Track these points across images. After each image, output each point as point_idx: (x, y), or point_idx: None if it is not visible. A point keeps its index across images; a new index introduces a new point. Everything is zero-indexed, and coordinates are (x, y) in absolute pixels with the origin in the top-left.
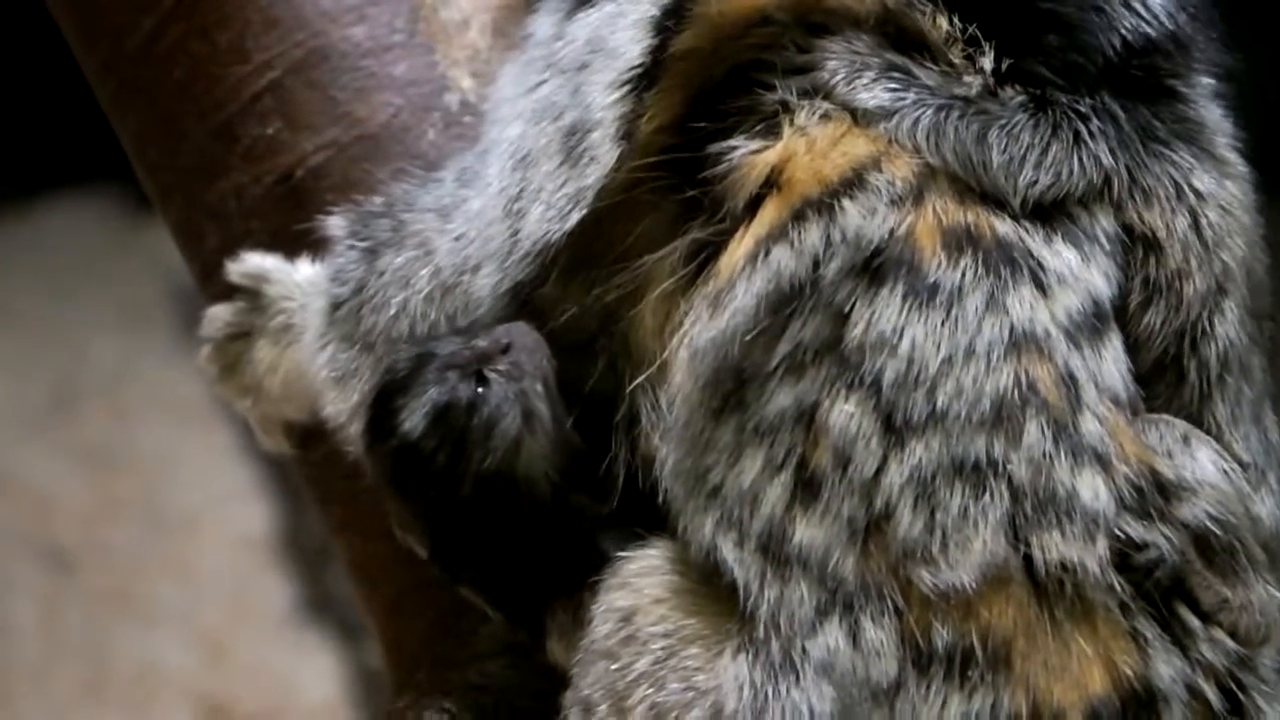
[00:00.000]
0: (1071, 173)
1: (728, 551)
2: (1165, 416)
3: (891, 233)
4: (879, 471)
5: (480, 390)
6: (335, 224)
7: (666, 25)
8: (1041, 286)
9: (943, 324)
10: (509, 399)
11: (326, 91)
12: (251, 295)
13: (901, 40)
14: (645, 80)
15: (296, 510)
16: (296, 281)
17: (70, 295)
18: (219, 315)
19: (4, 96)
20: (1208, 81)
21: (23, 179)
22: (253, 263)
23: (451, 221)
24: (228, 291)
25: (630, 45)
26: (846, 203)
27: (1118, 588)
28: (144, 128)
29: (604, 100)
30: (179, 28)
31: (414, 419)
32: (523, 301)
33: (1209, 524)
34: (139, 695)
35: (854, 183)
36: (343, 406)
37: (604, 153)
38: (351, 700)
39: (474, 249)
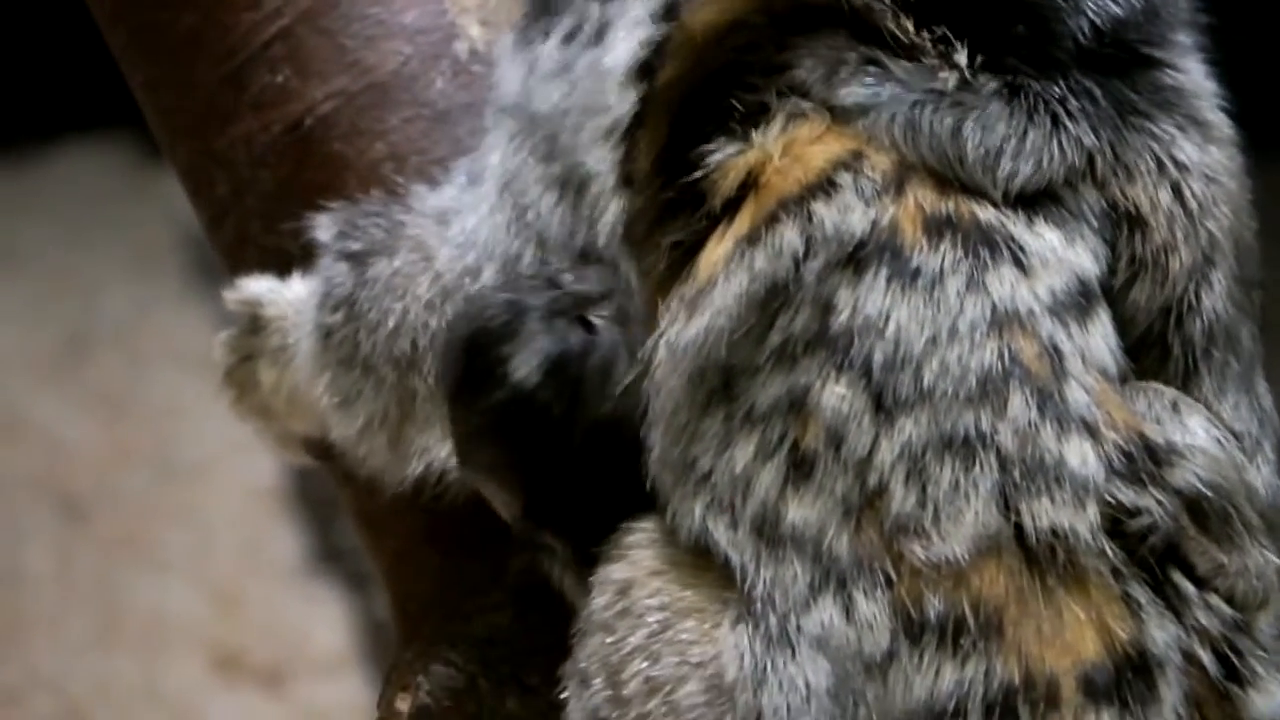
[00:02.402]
0: (1052, 158)
1: (720, 535)
2: (1154, 385)
3: (874, 224)
4: (871, 450)
5: (591, 338)
6: (323, 225)
7: (652, 66)
8: (1022, 267)
9: (925, 305)
10: (618, 343)
11: (336, 39)
12: (250, 319)
13: (872, 37)
14: (635, 125)
15: None
16: (289, 300)
17: (83, 242)
18: (224, 341)
19: (16, 43)
20: (1184, 40)
21: (36, 126)
22: (247, 289)
23: (451, 227)
24: (237, 242)
25: (615, 97)
26: (823, 202)
27: (1110, 553)
28: (154, 74)
29: (594, 155)
30: None
31: (525, 369)
32: None
33: (1202, 488)
34: (150, 643)
35: (831, 182)
36: (349, 430)
37: (611, 206)
38: (361, 651)
39: (473, 254)
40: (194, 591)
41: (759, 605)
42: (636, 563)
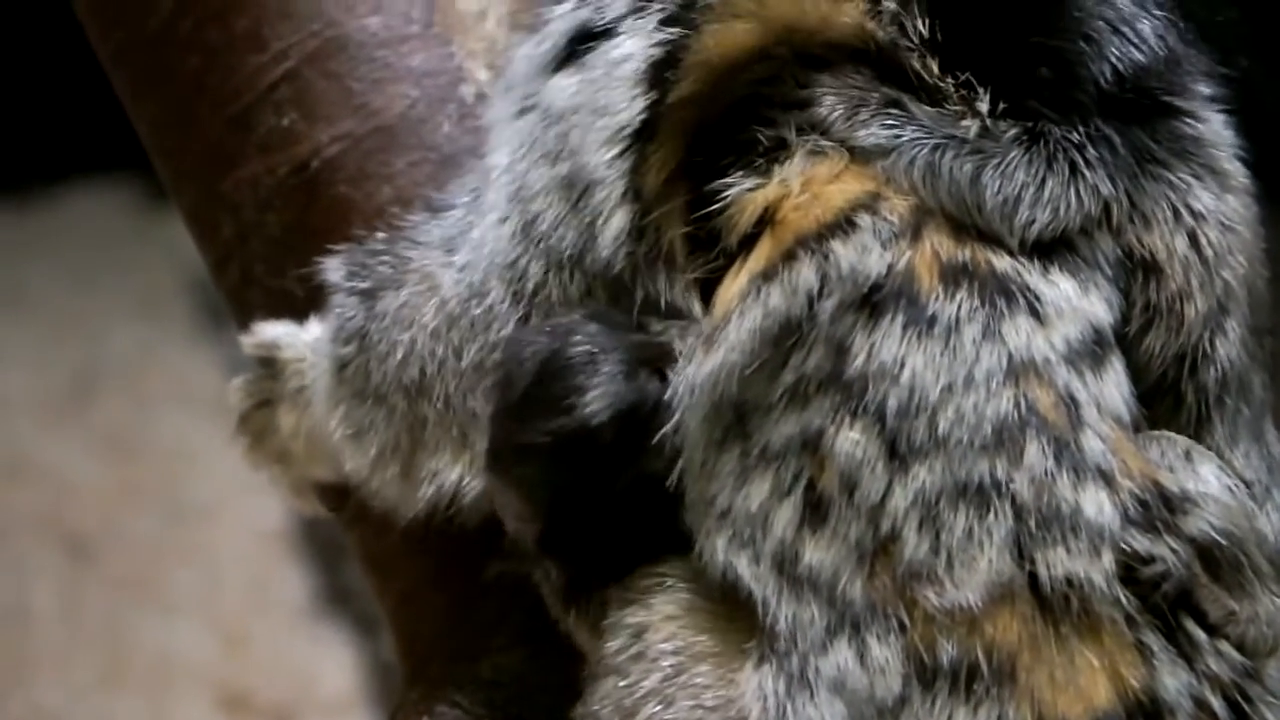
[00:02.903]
0: (1069, 206)
1: (743, 569)
2: (1167, 433)
3: (890, 268)
4: (885, 496)
5: (666, 391)
6: (333, 267)
7: (665, 76)
8: (1038, 316)
9: (941, 354)
10: None
11: (342, 82)
12: (267, 364)
13: (896, 77)
14: (645, 134)
15: None
16: (306, 343)
17: (90, 284)
18: (240, 386)
19: (25, 85)
20: (1204, 90)
21: (43, 168)
22: (264, 333)
23: (456, 254)
24: (242, 284)
25: (624, 102)
26: (839, 242)
27: (1123, 601)
28: (159, 116)
29: (603, 157)
30: (195, 15)
31: (596, 406)
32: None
33: (1214, 536)
34: (156, 684)
35: (849, 221)
36: (363, 462)
37: (616, 216)
38: (368, 692)
39: (479, 274)
40: (201, 632)
41: (782, 644)
42: (651, 607)
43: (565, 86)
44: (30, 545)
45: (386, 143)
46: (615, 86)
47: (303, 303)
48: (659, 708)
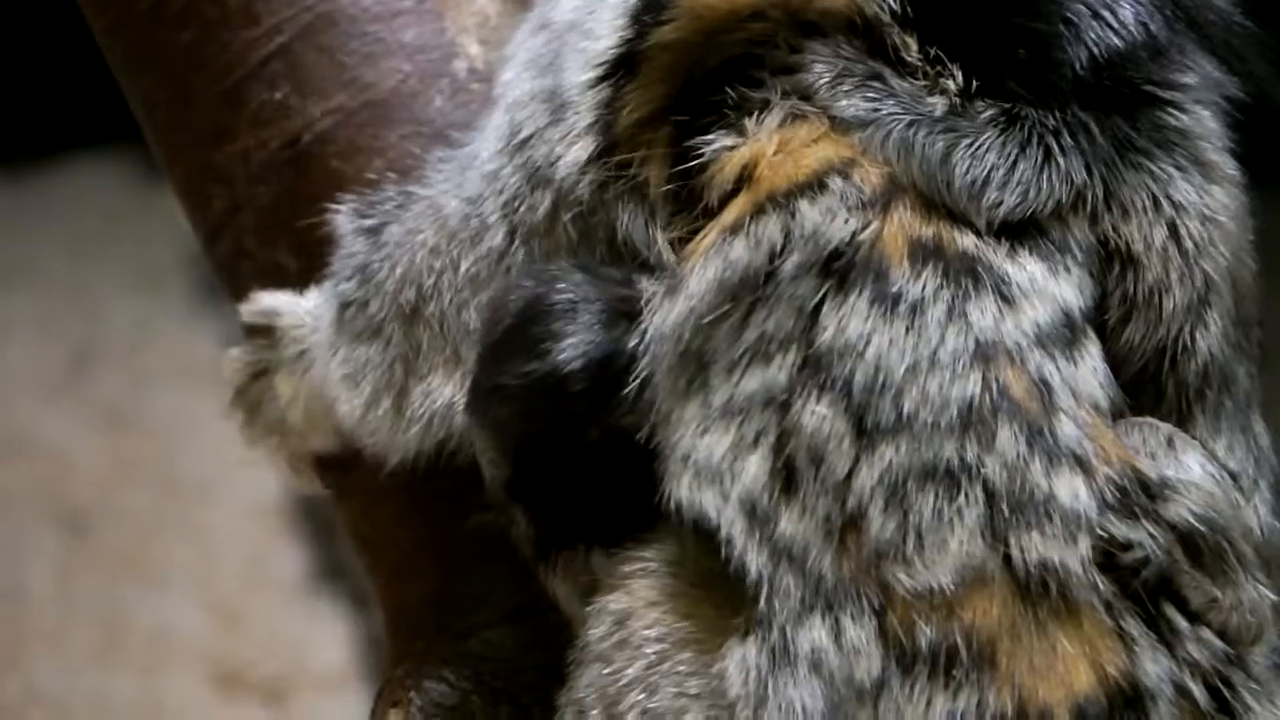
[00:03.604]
0: (1039, 190)
1: (709, 506)
2: (1149, 420)
3: (854, 235)
4: (851, 473)
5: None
6: (342, 217)
7: (644, 18)
8: (1006, 298)
9: (906, 333)
10: None
11: (335, 56)
12: (265, 332)
13: (881, 50)
14: (623, 70)
15: None
16: (307, 309)
17: (89, 257)
18: (237, 357)
19: (24, 59)
20: (1192, 82)
21: (42, 142)
22: (262, 302)
23: (466, 182)
24: (233, 257)
25: (607, 30)
26: (806, 201)
27: (1102, 586)
28: (152, 90)
29: (578, 78)
30: None
31: (570, 354)
32: None
33: (1196, 523)
34: (152, 659)
35: (820, 184)
36: (357, 403)
37: (579, 144)
38: (362, 668)
39: (475, 187)
40: (196, 608)
41: (762, 605)
42: (634, 593)
43: (564, 7)
44: (26, 521)
45: (378, 117)
46: (605, 12)
47: (294, 275)
48: (643, 695)
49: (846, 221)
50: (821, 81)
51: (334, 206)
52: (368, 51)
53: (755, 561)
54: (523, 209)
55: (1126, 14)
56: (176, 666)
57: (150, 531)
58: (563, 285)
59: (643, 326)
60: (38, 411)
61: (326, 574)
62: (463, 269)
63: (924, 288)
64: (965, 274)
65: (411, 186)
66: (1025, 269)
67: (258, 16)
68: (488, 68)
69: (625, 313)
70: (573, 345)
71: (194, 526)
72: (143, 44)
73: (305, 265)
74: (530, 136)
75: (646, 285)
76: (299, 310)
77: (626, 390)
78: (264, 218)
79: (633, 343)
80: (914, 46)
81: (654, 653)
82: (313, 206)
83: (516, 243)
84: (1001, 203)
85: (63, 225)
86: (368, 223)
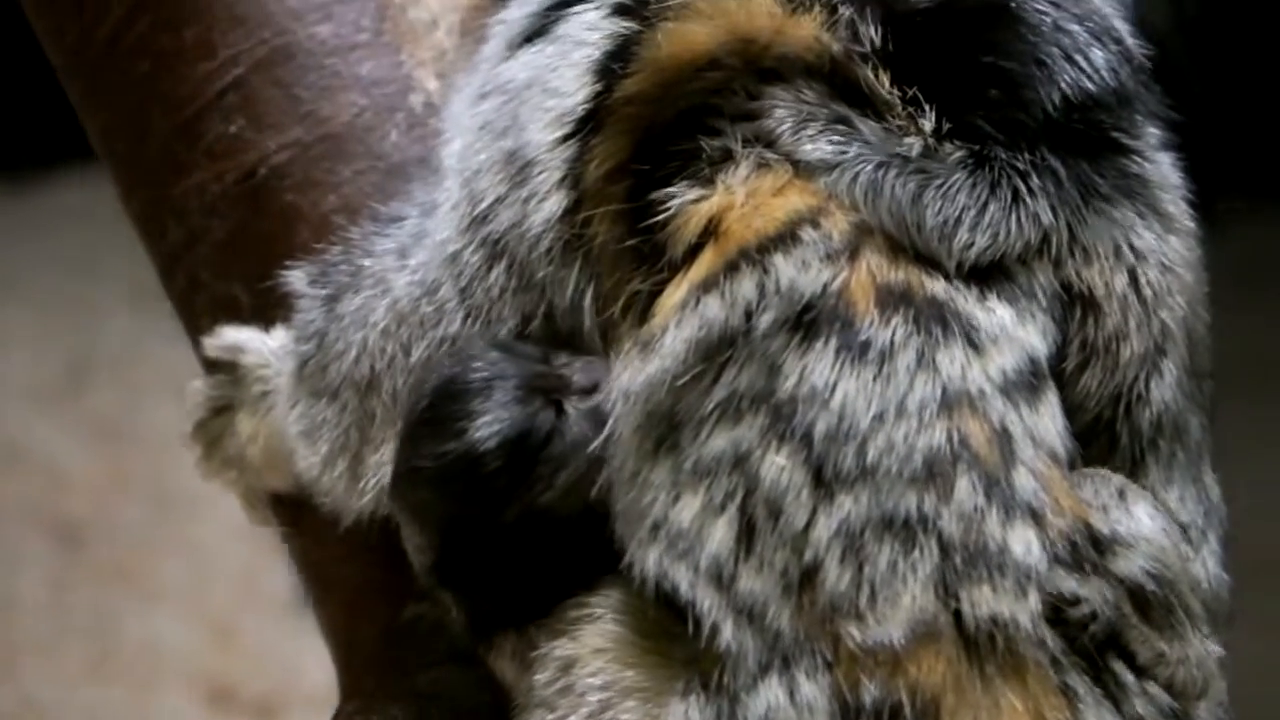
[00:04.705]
0: (1009, 233)
1: (681, 580)
2: (1101, 471)
3: (825, 287)
4: (808, 525)
5: (559, 424)
6: (296, 277)
7: (612, 69)
8: (974, 345)
9: (874, 380)
10: (583, 443)
11: (291, 90)
12: (229, 368)
13: (848, 92)
14: (589, 125)
15: None
16: (271, 349)
17: (85, 272)
18: (199, 391)
19: (17, 72)
20: (1154, 132)
21: (37, 154)
22: (227, 337)
23: (411, 257)
24: (188, 289)
25: (573, 87)
26: (781, 255)
27: (1049, 642)
28: (109, 122)
29: (545, 136)
30: (146, 21)
31: (485, 432)
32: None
33: (1144, 579)
34: (143, 674)
35: (790, 236)
36: (313, 460)
37: (550, 200)
38: None
39: (432, 271)
40: (188, 623)
41: (717, 674)
42: (580, 640)
43: (526, 62)
44: (19, 533)
45: (334, 150)
46: (568, 69)
47: (248, 309)
48: None
49: (819, 273)
50: (784, 127)
51: (288, 264)
52: (324, 85)
53: (726, 631)
54: (479, 291)
55: (1099, 59)
56: (168, 681)
57: (143, 545)
58: (478, 364)
59: (569, 406)
60: (32, 424)
61: None
62: (415, 354)
63: (893, 334)
64: (935, 320)
65: (357, 258)
66: (994, 314)
67: (214, 49)
68: (444, 102)
69: (541, 389)
70: (487, 423)
71: (187, 542)
72: (100, 76)
73: (260, 300)
74: (492, 204)
75: (563, 360)
76: (264, 350)
77: (544, 468)
78: (219, 251)
79: (546, 417)
80: (886, 83)
81: (598, 701)
82: (268, 241)
83: (472, 326)
84: (973, 244)
85: (59, 239)
86: (324, 291)
